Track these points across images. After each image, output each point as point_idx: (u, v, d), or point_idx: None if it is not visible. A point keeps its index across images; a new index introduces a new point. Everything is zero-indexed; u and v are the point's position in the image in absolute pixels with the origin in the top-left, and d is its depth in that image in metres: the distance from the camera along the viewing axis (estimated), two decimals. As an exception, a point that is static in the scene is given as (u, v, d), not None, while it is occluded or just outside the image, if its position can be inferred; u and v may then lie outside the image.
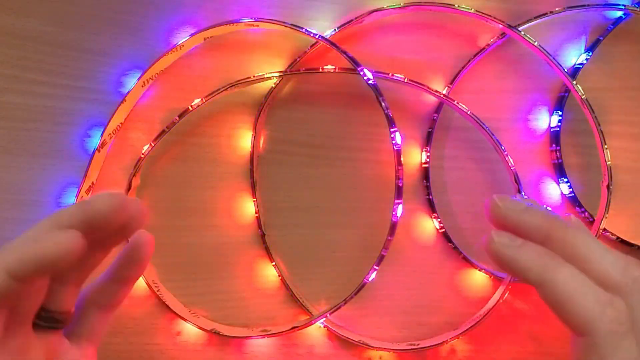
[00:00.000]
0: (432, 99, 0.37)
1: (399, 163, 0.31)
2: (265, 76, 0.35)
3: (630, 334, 0.24)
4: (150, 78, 0.36)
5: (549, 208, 0.27)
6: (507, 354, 0.37)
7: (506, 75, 0.38)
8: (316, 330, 0.37)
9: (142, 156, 0.36)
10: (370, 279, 0.33)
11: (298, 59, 0.36)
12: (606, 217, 0.35)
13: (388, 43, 0.37)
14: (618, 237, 0.37)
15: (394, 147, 0.31)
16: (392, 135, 0.31)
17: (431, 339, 0.36)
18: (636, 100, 0.38)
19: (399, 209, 0.32)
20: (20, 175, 0.36)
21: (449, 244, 0.37)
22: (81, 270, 0.26)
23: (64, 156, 0.37)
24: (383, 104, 0.32)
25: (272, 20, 0.35)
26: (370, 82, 0.32)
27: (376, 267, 0.33)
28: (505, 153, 0.35)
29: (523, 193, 0.35)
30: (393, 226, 0.32)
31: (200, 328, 0.35)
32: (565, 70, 0.35)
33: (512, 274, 0.27)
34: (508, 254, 0.26)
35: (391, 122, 0.32)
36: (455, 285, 0.37)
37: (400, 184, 0.31)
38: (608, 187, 0.35)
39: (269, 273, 0.37)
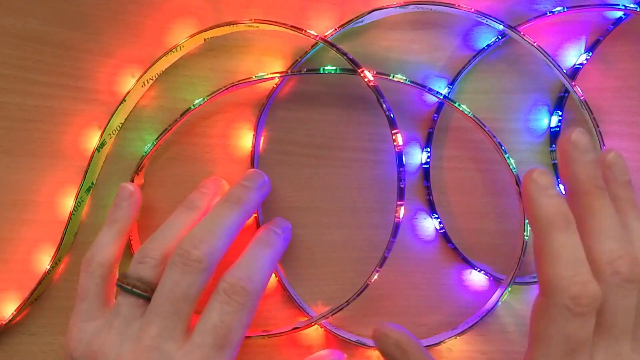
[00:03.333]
0: (432, 100, 0.37)
1: (401, 164, 0.31)
2: (266, 77, 0.35)
3: (587, 317, 0.26)
4: (150, 78, 0.36)
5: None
6: (506, 355, 0.37)
7: (506, 75, 0.38)
8: (314, 331, 0.37)
9: (145, 155, 0.36)
10: (372, 281, 0.33)
11: (299, 60, 0.36)
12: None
13: (388, 43, 0.37)
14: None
15: (396, 148, 0.31)
16: (394, 137, 0.32)
17: (429, 338, 0.37)
18: (636, 101, 0.38)
19: (402, 211, 0.32)
20: (20, 175, 0.36)
21: (449, 245, 0.37)
22: None
23: (64, 156, 0.37)
24: (384, 105, 0.32)
25: (272, 21, 0.35)
26: (371, 83, 0.32)
27: (379, 269, 0.33)
28: (507, 156, 0.35)
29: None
30: (395, 228, 0.32)
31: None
32: (565, 71, 0.35)
33: (526, 211, 0.30)
34: (534, 195, 0.28)
35: (393, 124, 0.32)
36: (454, 286, 0.37)
37: (402, 185, 0.31)
38: (608, 188, 0.35)
39: (269, 273, 0.37)
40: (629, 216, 0.29)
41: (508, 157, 0.35)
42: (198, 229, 0.31)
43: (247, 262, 0.31)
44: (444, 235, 0.37)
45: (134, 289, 0.30)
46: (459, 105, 0.35)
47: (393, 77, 0.35)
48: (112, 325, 0.30)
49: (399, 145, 0.31)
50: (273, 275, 0.37)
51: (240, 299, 0.29)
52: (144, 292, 0.30)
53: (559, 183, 0.37)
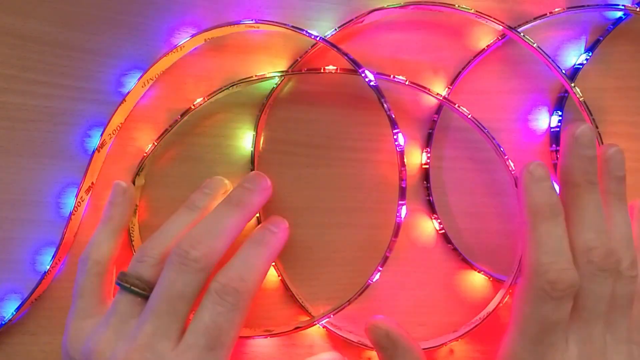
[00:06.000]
0: (432, 100, 0.37)
1: (402, 164, 0.31)
2: (266, 76, 0.35)
3: (563, 301, 0.29)
4: (150, 78, 0.36)
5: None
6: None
7: (506, 75, 0.38)
8: (315, 331, 0.37)
9: (146, 155, 0.36)
10: (374, 280, 0.33)
11: (299, 59, 0.36)
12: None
13: (387, 43, 0.37)
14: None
15: (397, 148, 0.31)
16: (395, 137, 0.32)
17: (430, 340, 0.37)
18: (636, 100, 0.38)
19: (403, 210, 0.32)
20: (20, 175, 0.36)
21: (449, 245, 0.37)
22: None
23: (64, 156, 0.37)
24: (385, 105, 0.32)
25: (272, 22, 0.35)
26: (372, 83, 0.32)
27: (380, 268, 0.33)
28: (506, 157, 0.35)
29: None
30: (397, 227, 0.32)
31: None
32: (564, 71, 0.35)
33: (519, 200, 0.32)
34: (527, 185, 0.31)
35: (394, 124, 0.32)
36: (454, 287, 0.37)
37: (403, 185, 0.31)
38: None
39: (269, 273, 0.37)
40: (614, 208, 0.32)
41: (507, 159, 0.35)
42: (197, 230, 0.31)
43: (239, 261, 0.31)
44: (443, 236, 0.37)
45: (132, 287, 0.30)
46: (458, 106, 0.35)
47: (393, 77, 0.35)
48: (108, 322, 0.30)
49: (400, 145, 0.31)
50: (274, 275, 0.37)
51: (232, 299, 0.29)
52: (142, 291, 0.30)
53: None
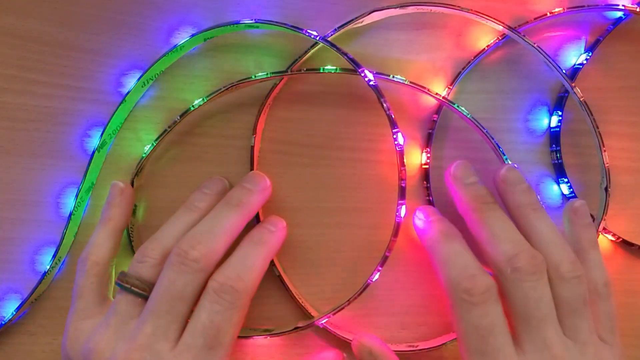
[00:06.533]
0: (432, 100, 0.37)
1: (402, 164, 0.31)
2: (266, 77, 0.35)
3: (487, 305, 0.29)
4: (150, 78, 0.36)
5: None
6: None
7: (506, 75, 0.38)
8: (315, 331, 0.37)
9: (145, 156, 0.36)
10: (373, 280, 0.33)
11: (298, 59, 0.36)
12: (604, 220, 0.35)
13: (387, 43, 0.37)
14: (618, 237, 0.37)
15: (397, 147, 0.31)
16: (395, 136, 0.32)
17: (430, 340, 0.37)
18: (636, 100, 0.38)
19: (403, 210, 0.32)
20: (20, 175, 0.36)
21: (449, 244, 0.37)
22: None
23: (64, 156, 0.37)
24: (385, 105, 0.32)
25: (272, 21, 0.35)
26: (371, 83, 0.32)
27: (380, 268, 0.33)
28: (505, 157, 0.35)
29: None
30: (397, 227, 0.32)
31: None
32: (565, 71, 0.35)
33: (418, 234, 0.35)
34: (417, 224, 0.35)
35: (393, 123, 0.32)
36: (455, 286, 0.37)
37: (403, 185, 0.31)
38: (606, 189, 0.35)
39: (269, 273, 0.37)
40: (532, 218, 0.32)
41: (506, 159, 0.35)
42: (197, 230, 0.31)
43: (237, 260, 0.31)
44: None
45: (132, 288, 0.30)
46: (458, 106, 0.35)
47: (393, 77, 0.35)
48: (108, 323, 0.30)
49: (400, 145, 0.31)
50: (275, 274, 0.37)
51: (230, 298, 0.29)
52: (143, 291, 0.30)
53: (559, 182, 0.37)
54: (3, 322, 0.35)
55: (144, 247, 0.32)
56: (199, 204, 0.34)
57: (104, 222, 0.34)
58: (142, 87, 0.36)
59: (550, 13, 0.37)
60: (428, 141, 0.37)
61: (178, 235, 0.32)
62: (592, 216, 0.36)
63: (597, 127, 0.35)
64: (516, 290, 0.30)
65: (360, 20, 0.36)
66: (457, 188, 0.34)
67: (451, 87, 0.37)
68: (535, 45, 0.35)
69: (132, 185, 0.36)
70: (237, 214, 0.32)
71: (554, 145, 0.37)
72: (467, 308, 0.29)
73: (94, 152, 0.35)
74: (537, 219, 0.32)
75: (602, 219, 0.35)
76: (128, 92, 0.36)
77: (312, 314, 0.36)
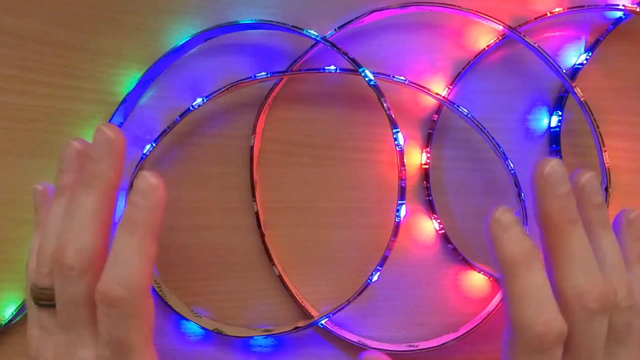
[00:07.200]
0: (432, 100, 0.37)
1: (402, 164, 0.31)
2: (266, 77, 0.35)
3: (552, 351, 0.27)
4: (150, 78, 0.36)
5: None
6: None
7: (506, 75, 0.38)
8: (315, 331, 0.37)
9: (145, 156, 0.36)
10: (373, 280, 0.33)
11: (299, 59, 0.36)
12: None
13: (387, 43, 0.37)
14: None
15: (397, 147, 0.31)
16: (395, 136, 0.32)
17: (430, 340, 0.37)
18: (636, 100, 0.38)
19: (403, 210, 0.32)
20: (20, 175, 0.36)
21: (449, 245, 0.37)
22: None
23: (64, 156, 0.37)
24: (385, 105, 0.32)
25: (272, 22, 0.35)
26: (371, 83, 0.32)
27: (379, 268, 0.33)
28: (505, 157, 0.35)
29: (523, 194, 0.35)
30: (396, 227, 0.32)
31: (203, 327, 0.35)
32: (565, 71, 0.35)
33: (493, 252, 0.29)
34: (496, 235, 0.28)
35: (393, 123, 0.32)
36: (454, 287, 0.37)
37: (403, 185, 0.31)
38: (606, 189, 0.35)
39: (269, 273, 0.37)
40: (599, 236, 0.29)
41: (507, 159, 0.35)
42: (63, 228, 0.28)
43: (112, 262, 0.27)
44: (443, 236, 0.37)
45: (40, 302, 0.29)
46: (458, 106, 0.35)
47: (393, 77, 0.35)
48: (40, 337, 0.30)
49: (400, 145, 0.31)
50: (275, 274, 0.37)
51: (117, 310, 0.26)
52: (50, 301, 0.29)
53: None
54: (3, 322, 0.35)
55: (38, 254, 0.30)
56: (62, 183, 0.31)
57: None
58: (142, 87, 0.36)
59: (550, 13, 0.37)
60: (428, 141, 0.37)
61: (58, 230, 0.29)
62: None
63: (597, 127, 0.35)
64: (579, 326, 0.27)
65: (361, 20, 0.36)
66: (541, 194, 0.28)
67: (451, 87, 0.37)
68: (535, 45, 0.35)
69: (132, 185, 0.36)
70: (94, 194, 0.28)
71: (554, 145, 0.37)
72: (532, 352, 0.27)
73: (94, 152, 0.35)
74: (604, 237, 0.30)
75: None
76: (128, 92, 0.36)
77: (312, 314, 0.36)
